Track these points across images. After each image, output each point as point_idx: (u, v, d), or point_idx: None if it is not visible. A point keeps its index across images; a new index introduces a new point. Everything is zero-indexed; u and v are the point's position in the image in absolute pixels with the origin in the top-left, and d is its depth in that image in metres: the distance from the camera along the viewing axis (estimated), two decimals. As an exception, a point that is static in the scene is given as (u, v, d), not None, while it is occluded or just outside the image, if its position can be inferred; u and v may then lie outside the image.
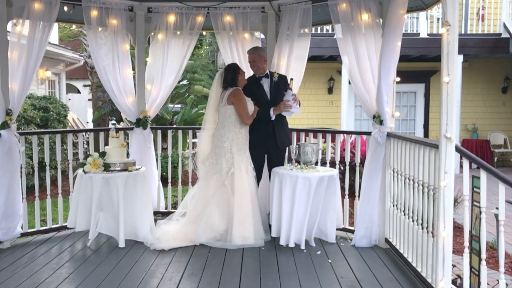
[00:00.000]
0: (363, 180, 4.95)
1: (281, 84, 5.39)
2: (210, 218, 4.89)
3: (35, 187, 5.20)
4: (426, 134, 13.39)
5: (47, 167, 5.30)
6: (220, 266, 4.32)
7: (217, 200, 4.93)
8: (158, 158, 6.00)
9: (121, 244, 4.78)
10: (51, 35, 5.11)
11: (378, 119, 4.76)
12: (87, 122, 16.74)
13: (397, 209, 4.58)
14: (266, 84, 5.33)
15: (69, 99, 16.69)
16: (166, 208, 6.15)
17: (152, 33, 5.89)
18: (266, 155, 5.38)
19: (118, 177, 4.83)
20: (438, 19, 12.42)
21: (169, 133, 6.63)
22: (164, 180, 6.54)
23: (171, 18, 5.77)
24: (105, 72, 5.54)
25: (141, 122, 5.79)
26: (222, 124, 5.05)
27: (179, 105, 12.78)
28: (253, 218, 4.91)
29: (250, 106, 5.09)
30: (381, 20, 4.79)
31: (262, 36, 6.04)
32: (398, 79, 4.74)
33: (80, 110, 18.15)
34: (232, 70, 5.12)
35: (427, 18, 12.18)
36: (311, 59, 12.66)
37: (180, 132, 6.21)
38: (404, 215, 4.35)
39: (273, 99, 5.29)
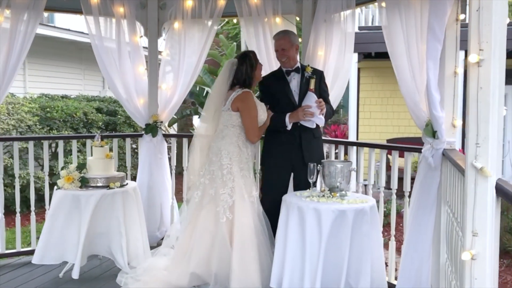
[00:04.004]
0: (409, 218, 3.42)
1: (316, 82, 4.02)
2: (201, 260, 3.68)
3: (16, 202, 4.53)
4: None
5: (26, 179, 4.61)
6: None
7: (210, 236, 3.70)
8: (173, 171, 5.01)
9: (75, 275, 3.83)
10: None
11: (430, 130, 3.20)
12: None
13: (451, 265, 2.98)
14: (295, 80, 3.98)
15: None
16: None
17: (167, 22, 4.92)
18: (292, 175, 4.08)
19: (90, 196, 3.92)
20: None
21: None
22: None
23: (189, 3, 4.74)
24: (109, 69, 4.70)
25: (149, 128, 4.84)
26: (222, 133, 3.83)
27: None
28: (259, 261, 3.62)
29: (264, 115, 3.86)
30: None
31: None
32: (460, 70, 3.14)
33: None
34: (249, 63, 3.85)
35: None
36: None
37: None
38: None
39: (301, 102, 3.94)
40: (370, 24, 10.63)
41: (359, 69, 10.62)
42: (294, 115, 3.89)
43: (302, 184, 3.84)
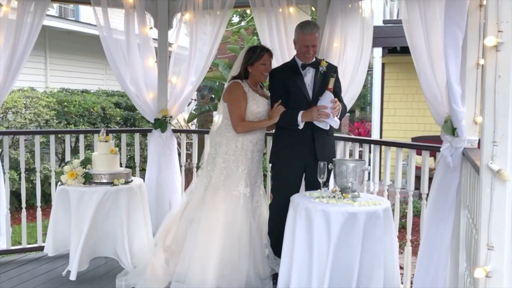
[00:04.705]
0: (425, 222, 3.17)
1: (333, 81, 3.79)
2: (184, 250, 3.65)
3: (22, 196, 4.44)
4: None
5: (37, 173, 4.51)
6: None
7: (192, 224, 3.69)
8: (182, 168, 4.85)
9: (72, 276, 3.71)
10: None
11: (449, 127, 2.94)
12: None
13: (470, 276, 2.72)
14: (309, 74, 3.73)
15: (194, 100, 16.53)
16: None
17: (178, 14, 4.76)
18: (304, 175, 3.86)
19: (93, 193, 3.79)
20: None
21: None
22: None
23: (200, -7, 4.57)
24: (117, 62, 4.56)
25: (158, 123, 4.69)
26: (218, 123, 3.82)
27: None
28: (225, 261, 3.50)
29: (256, 107, 3.67)
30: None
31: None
32: (483, 61, 2.86)
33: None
34: (247, 56, 3.72)
35: None
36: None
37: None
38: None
39: (315, 97, 3.72)
40: (395, 18, 10.27)
41: (383, 64, 10.27)
42: (308, 114, 3.64)
43: (315, 184, 3.61)
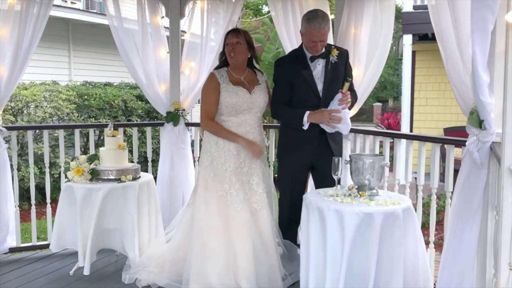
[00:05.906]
0: (449, 224, 2.89)
1: (341, 65, 3.50)
2: (172, 252, 3.60)
3: (31, 193, 4.35)
4: None
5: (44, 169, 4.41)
6: None
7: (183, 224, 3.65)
8: (195, 163, 4.68)
9: (86, 271, 3.62)
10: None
11: (476, 119, 2.65)
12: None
13: (500, 287, 2.44)
14: (319, 66, 3.45)
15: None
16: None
17: (190, 2, 4.56)
18: (312, 170, 3.64)
19: (98, 190, 3.65)
20: None
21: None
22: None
23: (212, -20, 4.37)
24: (129, 53, 4.42)
25: (170, 116, 4.53)
26: None
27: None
28: (224, 262, 3.31)
29: (229, 99, 3.40)
30: None
31: None
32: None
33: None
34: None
35: None
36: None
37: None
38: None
39: (325, 92, 3.45)
40: (426, 3, 9.79)
41: (414, 52, 9.84)
42: (317, 116, 3.38)
43: (326, 178, 3.33)
